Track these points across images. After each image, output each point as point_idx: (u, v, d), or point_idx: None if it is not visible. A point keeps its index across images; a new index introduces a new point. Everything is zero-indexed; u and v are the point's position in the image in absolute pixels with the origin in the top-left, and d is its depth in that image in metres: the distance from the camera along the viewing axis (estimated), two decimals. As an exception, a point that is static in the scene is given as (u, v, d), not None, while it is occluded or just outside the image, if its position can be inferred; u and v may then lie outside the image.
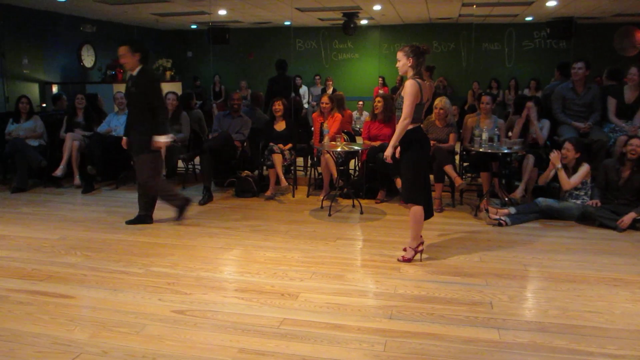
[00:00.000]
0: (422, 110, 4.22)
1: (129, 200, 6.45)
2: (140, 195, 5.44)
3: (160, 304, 3.53)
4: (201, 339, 3.06)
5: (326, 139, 6.15)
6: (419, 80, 4.13)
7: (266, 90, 8.76)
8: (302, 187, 6.98)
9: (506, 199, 5.86)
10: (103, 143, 7.08)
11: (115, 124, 7.35)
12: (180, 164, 7.55)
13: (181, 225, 5.44)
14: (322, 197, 6.33)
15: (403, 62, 4.18)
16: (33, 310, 3.45)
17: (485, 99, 6.27)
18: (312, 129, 7.10)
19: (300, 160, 7.28)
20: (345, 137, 6.50)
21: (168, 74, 12.80)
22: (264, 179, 6.81)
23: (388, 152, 4.24)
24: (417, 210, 4.28)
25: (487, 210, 5.52)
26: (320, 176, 6.80)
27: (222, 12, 10.76)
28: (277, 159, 6.39)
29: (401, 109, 4.15)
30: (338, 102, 6.92)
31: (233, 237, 5.04)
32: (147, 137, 5.07)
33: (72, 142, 7.07)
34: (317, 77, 13.15)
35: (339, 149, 5.92)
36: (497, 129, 5.92)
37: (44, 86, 10.20)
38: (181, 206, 5.45)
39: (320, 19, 12.33)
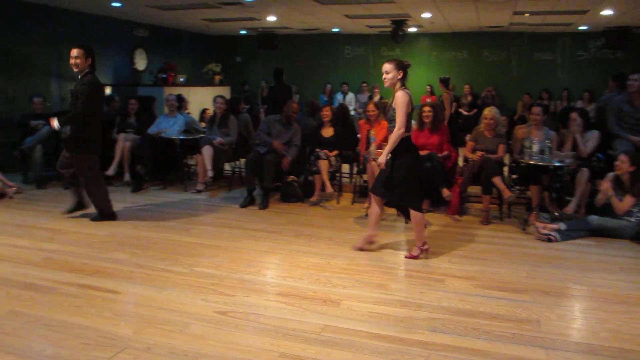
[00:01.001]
0: (411, 119, 4.44)
1: (176, 200, 6.61)
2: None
3: (203, 304, 3.57)
4: (243, 341, 3.08)
5: (373, 147, 6.09)
6: (407, 91, 4.35)
7: (267, 99, 9.16)
8: (347, 194, 6.95)
9: (556, 213, 5.67)
10: (153, 144, 7.27)
11: (165, 125, 7.52)
12: (227, 167, 7.65)
13: (226, 227, 5.51)
14: (367, 205, 6.28)
15: (393, 74, 4.36)
16: (81, 303, 3.55)
17: (536, 109, 6.10)
18: (359, 136, 7.07)
19: (345, 167, 7.26)
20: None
21: (217, 78, 13.02)
22: (310, 184, 6.81)
23: (382, 159, 4.42)
24: (418, 215, 4.50)
25: (535, 226, 5.36)
26: (366, 183, 6.75)
27: (271, 18, 10.88)
28: (323, 165, 6.39)
29: (394, 120, 4.36)
30: (385, 110, 6.87)
31: (277, 241, 5.06)
32: (76, 137, 5.34)
33: (124, 143, 7.28)
34: (364, 84, 13.13)
35: (385, 157, 5.87)
36: (548, 141, 5.74)
37: (98, 87, 10.51)
38: (101, 213, 5.63)
39: (368, 26, 12.31)
